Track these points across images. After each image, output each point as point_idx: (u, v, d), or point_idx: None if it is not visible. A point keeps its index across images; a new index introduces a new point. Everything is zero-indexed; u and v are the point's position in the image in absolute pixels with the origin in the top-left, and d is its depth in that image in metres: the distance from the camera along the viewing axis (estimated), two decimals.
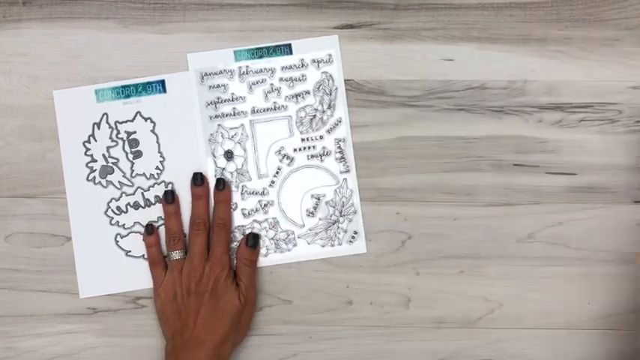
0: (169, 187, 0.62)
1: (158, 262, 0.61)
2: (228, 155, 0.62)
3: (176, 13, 0.62)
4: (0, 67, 0.62)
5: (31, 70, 0.62)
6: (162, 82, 0.62)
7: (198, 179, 0.61)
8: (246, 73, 0.62)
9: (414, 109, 0.63)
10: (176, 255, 0.60)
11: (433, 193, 0.63)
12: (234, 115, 0.62)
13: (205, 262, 0.60)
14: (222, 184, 0.61)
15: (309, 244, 0.63)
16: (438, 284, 0.63)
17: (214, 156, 0.62)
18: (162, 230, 0.62)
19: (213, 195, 0.62)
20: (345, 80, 0.63)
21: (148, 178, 0.62)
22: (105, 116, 0.62)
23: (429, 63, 0.62)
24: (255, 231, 0.62)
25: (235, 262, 0.61)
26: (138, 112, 0.62)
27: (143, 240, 0.62)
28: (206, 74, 0.62)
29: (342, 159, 0.63)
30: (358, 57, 0.63)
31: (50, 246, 0.62)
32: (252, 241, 0.61)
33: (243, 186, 0.63)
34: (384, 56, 0.63)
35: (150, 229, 0.62)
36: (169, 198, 0.61)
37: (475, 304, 0.63)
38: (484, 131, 0.63)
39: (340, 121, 0.63)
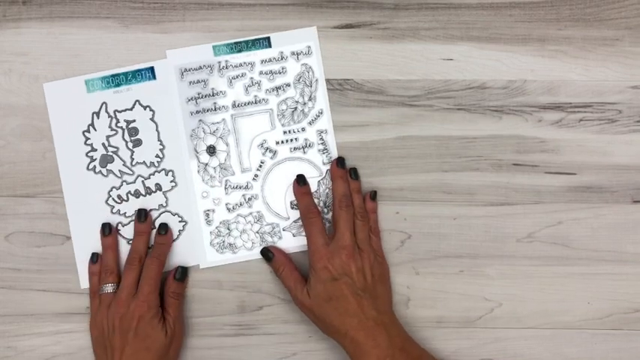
0: (106, 220, 0.62)
1: (97, 292, 0.61)
2: (211, 150, 0.62)
3: (176, 12, 0.62)
4: (0, 67, 0.62)
5: (31, 69, 0.62)
6: (152, 69, 0.62)
7: (142, 216, 0.61)
8: (226, 68, 0.62)
9: (413, 108, 0.63)
10: (107, 288, 0.60)
11: (433, 192, 0.63)
12: (215, 110, 0.62)
13: (132, 298, 0.59)
14: (164, 229, 0.61)
15: (294, 236, 0.63)
16: (437, 284, 0.63)
17: (197, 152, 0.62)
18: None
19: (155, 237, 0.62)
20: (344, 80, 0.63)
21: (148, 166, 0.63)
22: (104, 105, 0.62)
23: (429, 63, 0.63)
24: (240, 226, 0.62)
25: (163, 296, 0.61)
26: (137, 101, 0.62)
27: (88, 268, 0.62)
28: (186, 70, 0.62)
29: (325, 150, 0.63)
30: (358, 56, 0.63)
31: (50, 245, 0.62)
32: (180, 274, 0.61)
33: (226, 180, 0.63)
34: (383, 56, 0.63)
35: (94, 258, 0.61)
36: (106, 230, 0.61)
37: (475, 303, 0.63)
38: (484, 131, 0.63)
39: (321, 113, 0.63)
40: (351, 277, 0.57)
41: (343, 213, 0.59)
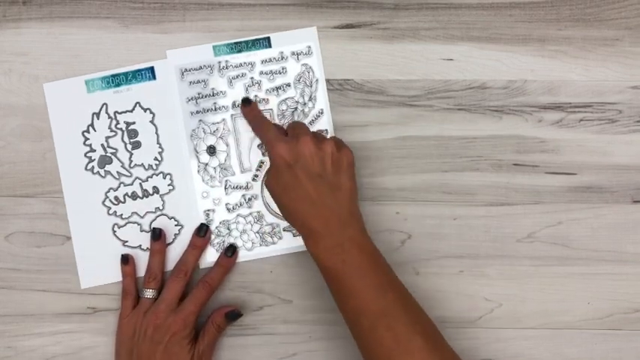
0: (157, 226, 0.62)
1: (129, 293, 0.60)
2: (211, 150, 0.62)
3: (176, 12, 0.62)
4: (0, 67, 0.62)
5: (31, 69, 0.62)
6: (152, 69, 0.62)
7: (202, 231, 0.61)
8: (226, 68, 0.62)
9: (413, 108, 0.63)
10: (148, 293, 0.60)
11: (433, 192, 0.63)
12: (215, 110, 0.62)
13: (171, 312, 0.58)
14: (231, 251, 0.62)
15: (294, 236, 0.63)
16: (437, 284, 0.63)
17: (197, 152, 0.62)
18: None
19: (219, 257, 0.62)
20: (345, 80, 0.63)
21: (146, 169, 0.63)
22: (104, 106, 0.62)
23: (429, 63, 0.63)
24: (240, 226, 0.62)
25: (206, 321, 0.60)
26: (137, 103, 0.62)
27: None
28: (186, 70, 0.62)
29: None
30: (358, 57, 0.63)
31: (50, 245, 0.62)
32: (234, 317, 0.60)
33: (226, 181, 0.63)
34: (384, 56, 0.63)
35: (125, 260, 0.61)
36: (156, 235, 0.61)
37: (475, 303, 0.63)
38: (484, 131, 0.63)
39: (322, 113, 0.63)
40: (307, 162, 0.55)
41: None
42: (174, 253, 0.62)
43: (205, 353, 0.59)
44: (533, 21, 0.62)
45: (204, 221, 0.62)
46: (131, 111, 0.62)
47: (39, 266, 0.62)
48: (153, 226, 0.62)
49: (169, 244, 0.62)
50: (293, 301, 0.63)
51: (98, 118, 0.62)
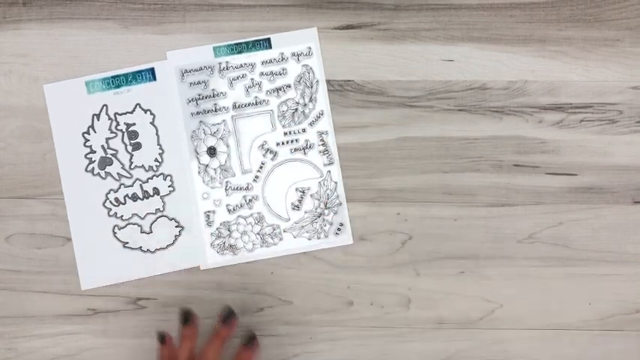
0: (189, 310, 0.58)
1: None
2: (211, 152, 0.62)
3: (176, 13, 0.62)
4: (0, 68, 0.62)
5: (31, 70, 0.62)
6: (152, 70, 0.62)
7: (189, 319, 0.57)
8: (227, 69, 0.62)
9: (414, 109, 0.63)
10: None
11: (433, 193, 0.63)
12: (215, 111, 0.62)
13: None
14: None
15: (295, 237, 0.63)
16: (438, 285, 0.63)
17: (197, 153, 0.62)
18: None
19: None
20: (345, 81, 0.63)
21: (146, 170, 0.63)
22: (105, 107, 0.62)
23: (430, 63, 0.63)
24: (241, 227, 0.62)
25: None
26: (137, 104, 0.62)
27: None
28: (186, 71, 0.62)
29: (326, 151, 0.63)
30: (358, 57, 0.63)
31: (51, 247, 0.62)
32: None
33: (227, 182, 0.63)
34: (384, 57, 0.63)
35: (162, 339, 0.56)
36: (186, 320, 0.57)
37: (475, 304, 0.63)
38: (484, 132, 0.63)
39: (322, 114, 0.63)
40: None
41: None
42: (177, 253, 0.62)
43: None
44: (533, 21, 0.62)
45: (204, 224, 0.62)
46: (131, 112, 0.62)
47: (39, 267, 0.62)
48: (180, 308, 0.58)
49: (170, 244, 0.62)
50: (294, 302, 0.63)
51: (98, 120, 0.62)
